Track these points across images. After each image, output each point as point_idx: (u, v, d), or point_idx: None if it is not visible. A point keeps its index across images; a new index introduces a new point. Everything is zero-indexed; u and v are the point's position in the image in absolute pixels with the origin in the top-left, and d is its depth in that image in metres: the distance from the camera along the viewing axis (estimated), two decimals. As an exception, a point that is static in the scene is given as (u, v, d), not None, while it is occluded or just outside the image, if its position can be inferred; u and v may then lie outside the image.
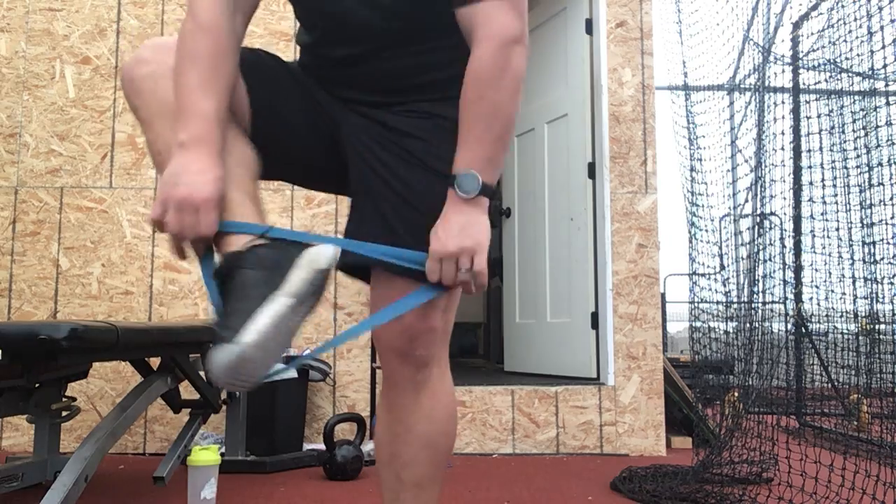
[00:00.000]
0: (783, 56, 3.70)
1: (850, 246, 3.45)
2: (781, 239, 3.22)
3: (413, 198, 1.22)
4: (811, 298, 3.88)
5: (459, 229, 1.13)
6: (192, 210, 1.08)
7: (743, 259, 3.64)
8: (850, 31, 2.91)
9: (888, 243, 2.81)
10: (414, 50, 1.25)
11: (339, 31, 1.25)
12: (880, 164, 2.83)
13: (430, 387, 1.30)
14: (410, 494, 1.31)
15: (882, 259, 2.89)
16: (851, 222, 3.48)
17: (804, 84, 3.91)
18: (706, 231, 3.13)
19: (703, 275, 3.12)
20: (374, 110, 1.28)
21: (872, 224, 3.11)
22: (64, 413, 2.34)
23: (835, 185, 3.28)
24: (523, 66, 1.16)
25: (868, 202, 3.27)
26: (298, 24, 1.36)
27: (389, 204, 1.22)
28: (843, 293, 3.46)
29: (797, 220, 3.70)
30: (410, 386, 1.29)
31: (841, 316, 3.64)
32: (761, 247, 3.21)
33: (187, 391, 2.46)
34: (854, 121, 3.37)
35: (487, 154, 1.15)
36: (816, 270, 3.64)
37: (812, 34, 3.59)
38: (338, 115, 1.31)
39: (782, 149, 2.97)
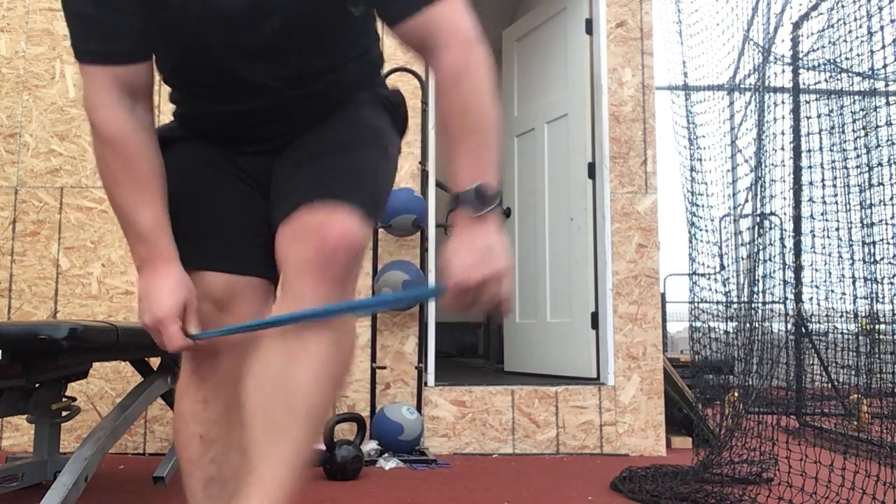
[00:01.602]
0: (783, 56, 3.70)
1: (850, 246, 3.45)
2: (781, 239, 3.22)
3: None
4: (811, 298, 3.88)
5: (481, 255, 1.02)
6: (157, 330, 1.13)
7: (743, 259, 3.63)
8: (850, 31, 2.91)
9: (888, 243, 2.81)
10: (312, 90, 1.21)
11: (235, 90, 1.20)
12: (880, 164, 2.83)
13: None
14: (301, 420, 1.09)
15: (882, 259, 2.89)
16: (851, 222, 3.48)
17: (804, 84, 3.91)
18: (706, 231, 3.13)
19: (703, 275, 3.11)
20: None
21: (872, 224, 3.11)
22: (64, 413, 2.34)
23: (835, 185, 3.28)
24: (489, 64, 1.10)
25: (868, 202, 3.27)
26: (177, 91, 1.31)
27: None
28: (843, 293, 3.46)
29: (797, 220, 3.70)
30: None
31: (841, 316, 3.64)
32: (761, 247, 3.21)
33: (187, 391, 2.45)
34: (854, 121, 3.37)
35: (487, 161, 1.07)
36: (816, 270, 3.64)
37: (812, 34, 3.59)
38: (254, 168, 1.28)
39: (782, 149, 2.98)
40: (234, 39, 1.13)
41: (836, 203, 3.35)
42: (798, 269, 3.97)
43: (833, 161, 3.31)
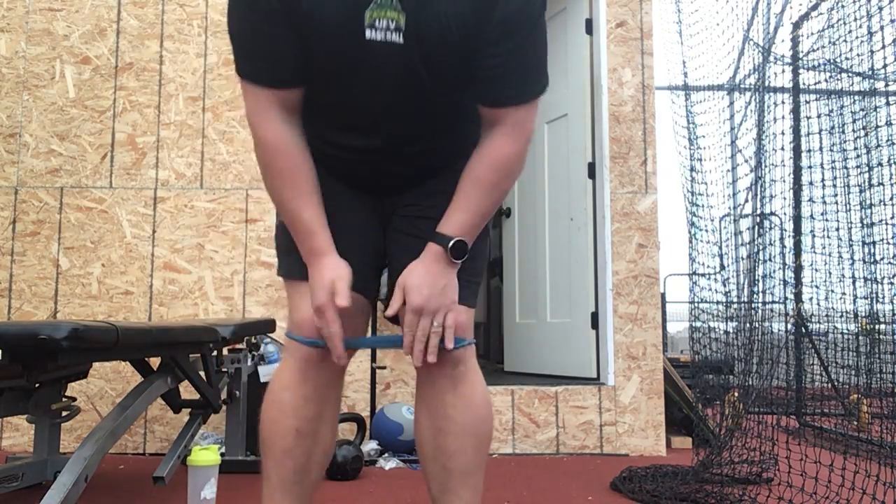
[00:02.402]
0: (783, 56, 3.70)
1: (850, 246, 3.45)
2: (781, 239, 3.22)
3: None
4: (811, 298, 3.88)
5: (439, 290, 1.26)
6: (320, 315, 1.26)
7: (743, 259, 3.63)
8: (850, 31, 2.91)
9: (888, 243, 2.80)
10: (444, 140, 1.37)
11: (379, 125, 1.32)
12: (880, 164, 2.83)
13: (466, 379, 1.38)
14: (459, 482, 1.39)
15: (882, 259, 2.89)
16: (851, 222, 3.48)
17: (804, 84, 3.91)
18: (706, 231, 3.12)
19: (703, 275, 3.11)
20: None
21: (872, 224, 3.11)
22: (64, 413, 2.34)
23: (835, 185, 3.28)
24: (521, 144, 1.29)
25: (868, 202, 3.27)
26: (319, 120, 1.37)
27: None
28: (843, 293, 3.45)
29: (797, 220, 3.70)
30: (449, 382, 1.37)
31: (841, 316, 3.64)
32: (761, 247, 3.21)
33: (187, 391, 2.46)
34: (854, 121, 3.37)
35: (478, 226, 1.30)
36: (816, 270, 3.64)
37: (812, 34, 3.59)
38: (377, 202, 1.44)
39: (782, 149, 2.97)
40: (384, 77, 1.23)
41: (836, 203, 3.35)
42: (798, 269, 3.97)
43: (833, 161, 3.31)
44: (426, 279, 1.25)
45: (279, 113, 1.25)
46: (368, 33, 1.18)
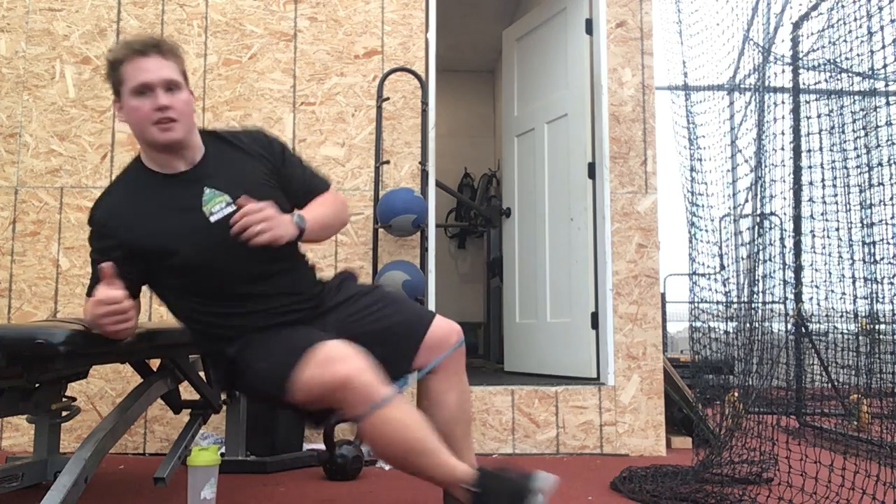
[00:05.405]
0: (783, 56, 3.70)
1: (850, 246, 3.45)
2: (781, 239, 3.22)
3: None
4: (811, 298, 3.87)
5: (281, 223, 1.76)
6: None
7: (743, 259, 3.63)
8: (850, 31, 2.90)
9: (888, 243, 2.80)
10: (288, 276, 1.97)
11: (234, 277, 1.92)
12: (880, 164, 2.82)
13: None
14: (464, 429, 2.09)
15: (882, 259, 2.88)
16: (851, 222, 3.47)
17: (804, 84, 3.91)
18: (706, 231, 3.12)
19: (703, 275, 3.11)
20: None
21: (872, 224, 3.10)
22: (64, 413, 2.35)
23: (835, 185, 3.27)
24: (344, 200, 2.08)
25: (868, 202, 3.27)
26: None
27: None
28: (843, 293, 3.45)
29: (797, 220, 3.69)
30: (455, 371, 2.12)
31: (841, 316, 3.64)
32: (761, 247, 3.21)
33: (187, 391, 2.46)
34: (854, 121, 3.36)
35: (318, 223, 1.90)
36: (816, 270, 3.63)
37: (812, 34, 3.58)
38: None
39: (782, 149, 2.97)
40: (222, 255, 1.84)
41: (836, 203, 3.34)
42: (798, 269, 3.97)
43: (833, 161, 3.30)
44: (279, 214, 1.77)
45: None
46: (212, 219, 1.81)
